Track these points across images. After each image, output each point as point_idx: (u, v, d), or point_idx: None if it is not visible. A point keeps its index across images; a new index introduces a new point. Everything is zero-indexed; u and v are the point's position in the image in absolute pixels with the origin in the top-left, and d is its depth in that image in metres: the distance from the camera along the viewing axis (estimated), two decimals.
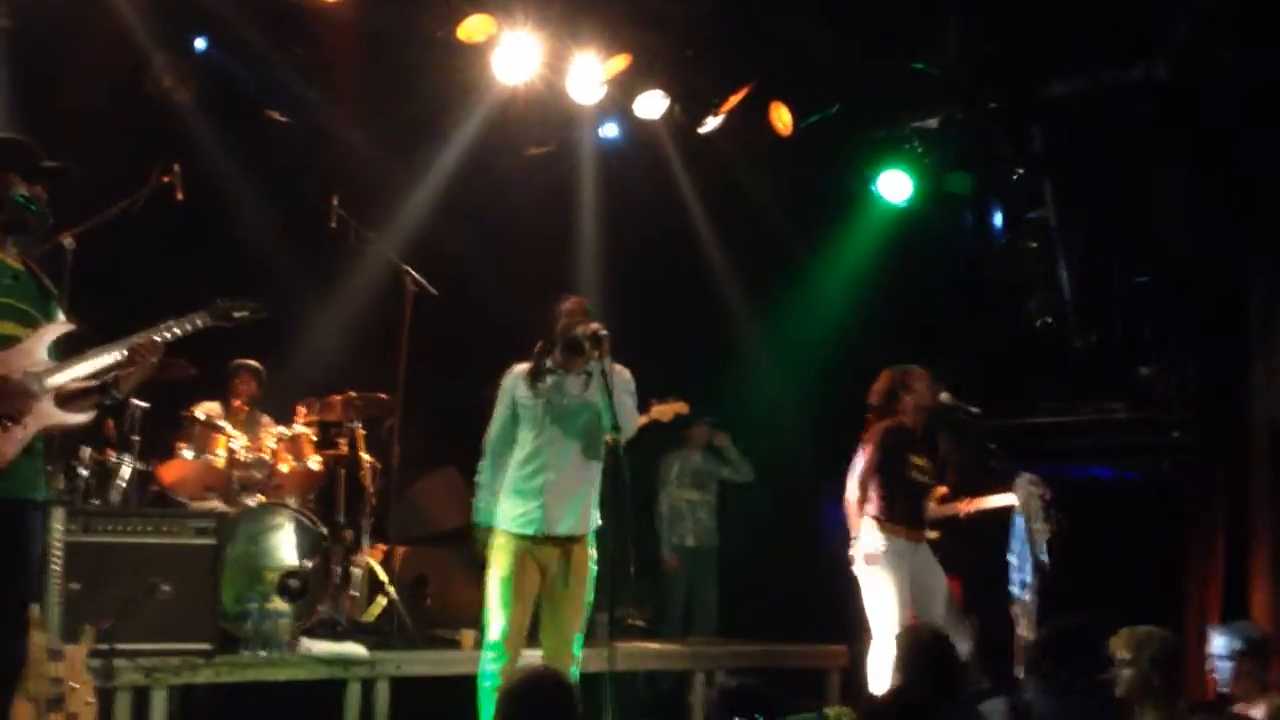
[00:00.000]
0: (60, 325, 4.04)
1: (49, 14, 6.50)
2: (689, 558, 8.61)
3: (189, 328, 4.13)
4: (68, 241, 5.43)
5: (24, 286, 4.01)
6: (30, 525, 4.08)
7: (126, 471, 6.35)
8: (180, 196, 5.99)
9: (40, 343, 3.94)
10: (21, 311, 3.96)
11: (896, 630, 5.93)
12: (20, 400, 3.82)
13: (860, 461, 6.13)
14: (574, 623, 5.11)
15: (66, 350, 4.04)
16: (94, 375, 3.98)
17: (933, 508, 6.28)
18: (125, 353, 3.99)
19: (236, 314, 4.25)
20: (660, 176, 8.45)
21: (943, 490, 6.35)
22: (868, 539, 6.06)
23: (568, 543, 5.11)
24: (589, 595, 5.17)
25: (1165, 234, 7.54)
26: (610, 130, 8.23)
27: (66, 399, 3.96)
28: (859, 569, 6.09)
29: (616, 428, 4.87)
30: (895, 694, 4.03)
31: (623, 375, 5.16)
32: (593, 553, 5.19)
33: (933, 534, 6.28)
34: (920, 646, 4.17)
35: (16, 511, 3.93)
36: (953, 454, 6.82)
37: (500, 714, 3.34)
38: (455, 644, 6.45)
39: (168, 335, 4.07)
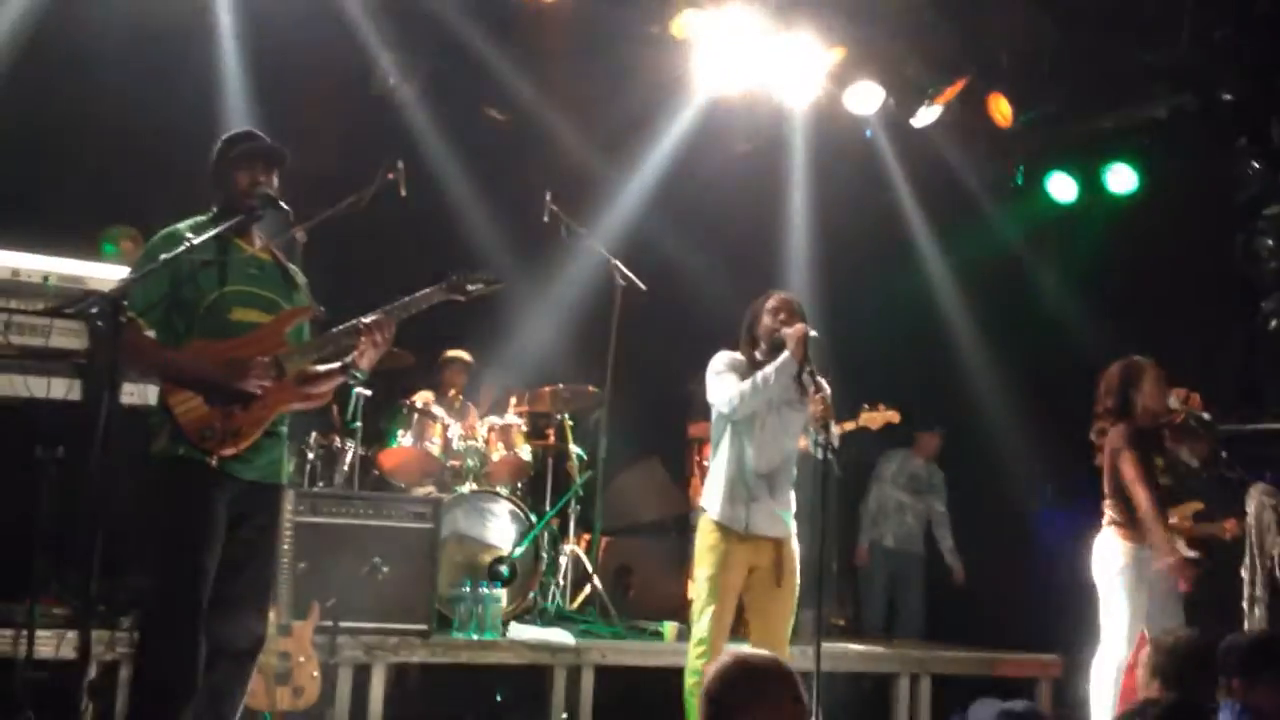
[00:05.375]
0: (301, 310, 4.17)
1: (279, 16, 6.79)
2: (885, 558, 8.46)
3: (424, 304, 4.21)
4: (299, 235, 5.69)
5: (268, 275, 4.16)
6: (281, 511, 4.29)
7: (350, 456, 6.62)
8: (404, 193, 6.19)
9: (282, 326, 4.08)
10: (266, 299, 4.10)
11: (1126, 641, 5.68)
12: (261, 378, 3.95)
13: (1125, 470, 5.81)
14: (786, 621, 5.03)
15: (314, 334, 4.19)
16: (334, 354, 4.09)
17: (1189, 526, 5.93)
18: (361, 329, 4.05)
19: (471, 287, 4.28)
20: (873, 172, 8.32)
21: (1197, 506, 5.97)
22: (1114, 548, 5.79)
23: (776, 541, 5.04)
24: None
25: None
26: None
27: (308, 379, 4.10)
28: (1100, 577, 5.83)
29: (826, 427, 4.78)
30: (1173, 701, 3.78)
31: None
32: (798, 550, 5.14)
33: (1193, 553, 5.87)
34: (1196, 652, 4.01)
35: (270, 497, 4.12)
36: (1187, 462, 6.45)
37: (711, 703, 2.89)
38: (658, 635, 6.49)
39: (403, 312, 4.15)
